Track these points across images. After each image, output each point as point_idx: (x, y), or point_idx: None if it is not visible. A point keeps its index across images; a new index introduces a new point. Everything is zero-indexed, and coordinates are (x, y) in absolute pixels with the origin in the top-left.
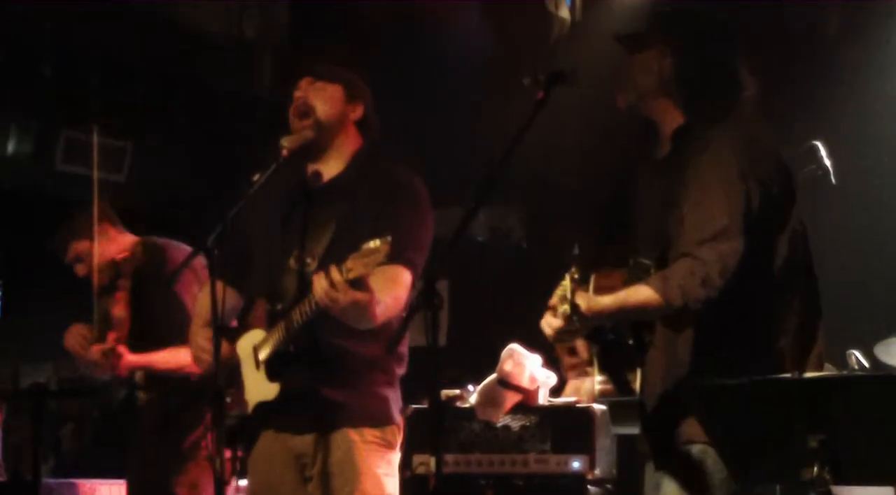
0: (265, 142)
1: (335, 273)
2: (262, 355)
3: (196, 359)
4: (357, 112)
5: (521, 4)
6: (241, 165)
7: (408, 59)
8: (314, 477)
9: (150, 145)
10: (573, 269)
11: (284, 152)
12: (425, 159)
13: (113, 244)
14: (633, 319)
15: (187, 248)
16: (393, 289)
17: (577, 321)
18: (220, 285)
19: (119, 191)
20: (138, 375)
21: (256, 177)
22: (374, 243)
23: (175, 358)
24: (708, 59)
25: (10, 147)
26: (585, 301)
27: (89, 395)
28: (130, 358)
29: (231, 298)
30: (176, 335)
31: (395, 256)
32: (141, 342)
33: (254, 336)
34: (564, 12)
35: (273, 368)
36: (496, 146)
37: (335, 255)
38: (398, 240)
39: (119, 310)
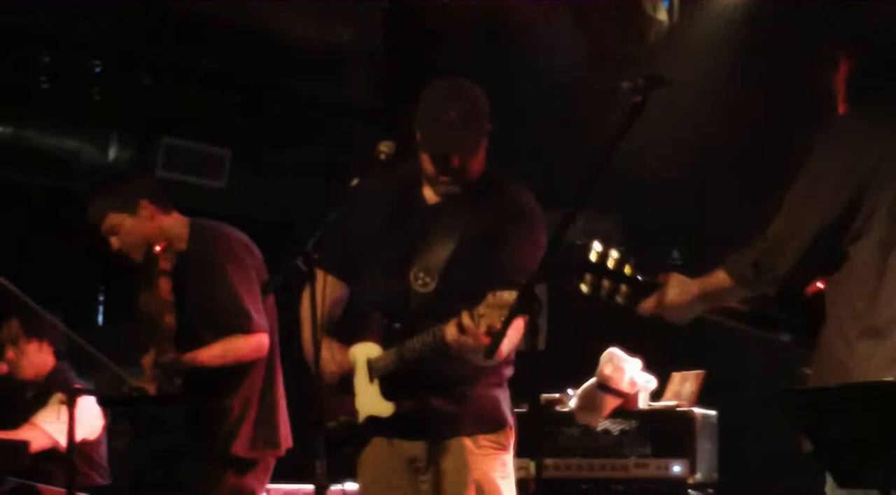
0: (362, 147)
1: (467, 319)
2: (377, 372)
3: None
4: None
5: (618, 7)
6: (337, 171)
7: (502, 64)
8: (428, 482)
9: (249, 152)
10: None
11: (382, 157)
12: (522, 164)
13: (150, 223)
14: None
15: (238, 232)
16: (517, 326)
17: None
18: (323, 275)
19: (218, 198)
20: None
21: (355, 182)
22: (509, 295)
23: (231, 350)
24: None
25: (111, 154)
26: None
27: (190, 400)
28: (186, 362)
29: (336, 289)
30: (227, 320)
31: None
32: (185, 332)
33: (368, 348)
34: (662, 14)
35: (388, 387)
36: (594, 151)
37: (453, 275)
38: (520, 269)
39: (163, 299)
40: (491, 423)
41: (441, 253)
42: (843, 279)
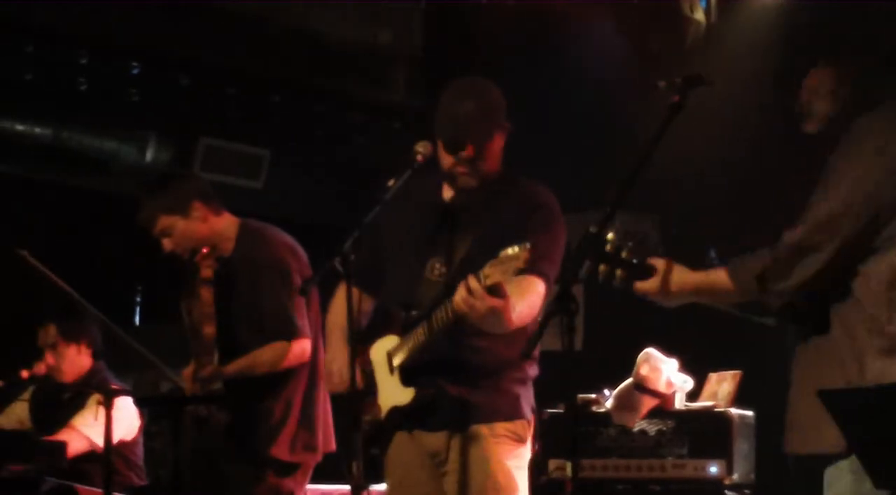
0: (399, 147)
1: (472, 281)
2: (397, 361)
3: (328, 383)
4: (503, 140)
5: (656, 7)
6: (376, 172)
7: (541, 64)
8: (449, 473)
9: (286, 153)
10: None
11: (419, 158)
12: (559, 164)
13: (202, 224)
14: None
15: (286, 234)
16: (528, 297)
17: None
18: (357, 292)
19: (256, 198)
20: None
21: (391, 182)
22: (512, 250)
23: (277, 357)
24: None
25: (150, 155)
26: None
27: (228, 400)
28: (228, 374)
29: (367, 305)
30: (272, 325)
31: (530, 268)
32: (229, 336)
33: (387, 342)
34: (700, 14)
35: (407, 374)
36: (632, 150)
37: (471, 265)
38: (534, 253)
39: (204, 309)
40: (508, 413)
41: (460, 247)
42: (858, 293)
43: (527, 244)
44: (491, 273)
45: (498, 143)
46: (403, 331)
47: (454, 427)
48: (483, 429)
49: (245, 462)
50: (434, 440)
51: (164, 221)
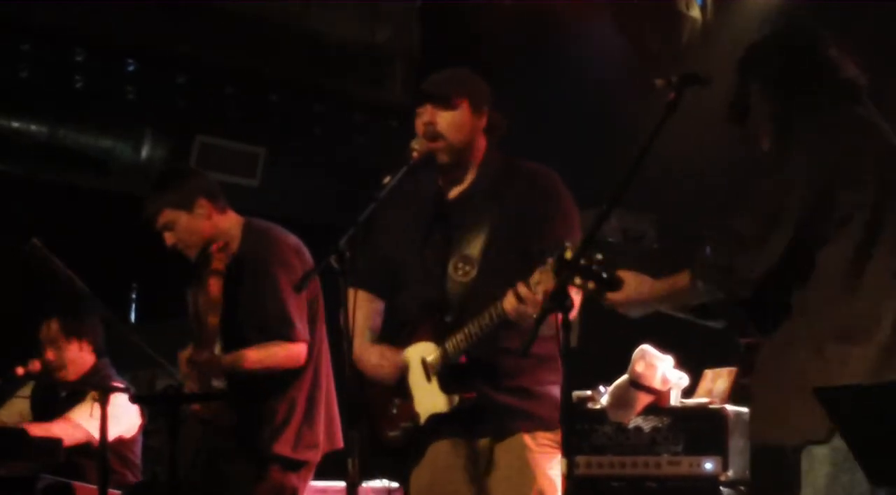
0: (397, 147)
1: (523, 288)
2: (435, 367)
3: (374, 376)
4: (484, 120)
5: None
6: (373, 171)
7: (539, 63)
8: (492, 480)
9: (283, 151)
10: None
11: (415, 155)
12: (557, 163)
13: (206, 221)
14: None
15: (291, 235)
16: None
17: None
18: (354, 292)
19: (252, 197)
20: (218, 384)
21: (387, 179)
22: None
23: (269, 356)
24: (791, 72)
25: (145, 153)
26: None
27: (224, 398)
28: (226, 365)
29: (370, 303)
30: (272, 325)
31: None
32: (232, 332)
33: (422, 348)
34: (696, 12)
35: (447, 380)
36: (631, 150)
37: (493, 260)
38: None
39: (211, 298)
40: (550, 421)
41: (476, 242)
42: (813, 285)
43: (568, 245)
44: (542, 279)
45: (465, 114)
46: (436, 336)
47: (497, 434)
48: (526, 438)
49: (248, 460)
50: (476, 447)
51: (168, 215)
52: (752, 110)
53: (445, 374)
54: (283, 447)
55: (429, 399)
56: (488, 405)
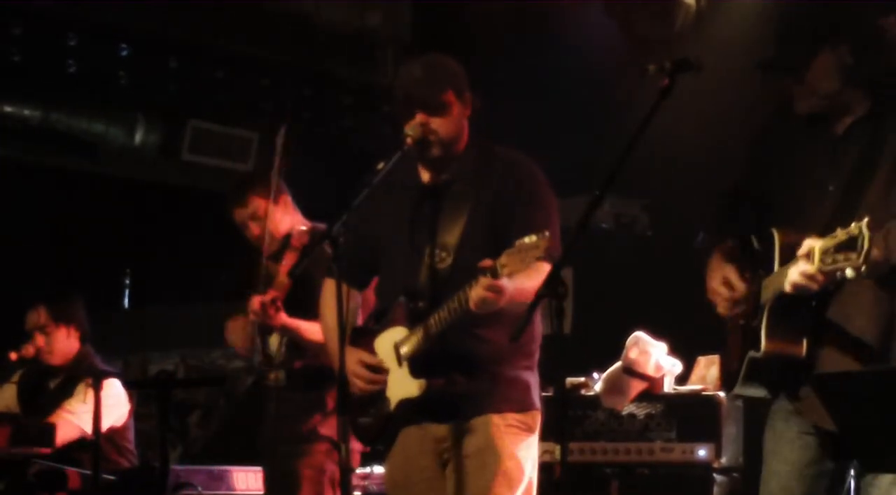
0: (389, 132)
1: (488, 280)
2: (406, 353)
3: (352, 384)
4: (468, 107)
5: None
6: (365, 155)
7: (531, 49)
8: (457, 461)
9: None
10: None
11: (409, 141)
12: (549, 149)
13: (287, 217)
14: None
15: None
16: (535, 279)
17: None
18: (333, 285)
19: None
20: (279, 351)
21: (380, 165)
22: (529, 239)
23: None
24: (886, 46)
25: (138, 138)
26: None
27: (216, 383)
28: (284, 316)
29: (353, 300)
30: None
31: (546, 256)
32: (293, 315)
33: (394, 333)
34: None
35: (417, 366)
36: (621, 135)
37: (468, 248)
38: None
39: (282, 277)
40: (520, 402)
41: (454, 229)
42: None
43: (545, 233)
44: (508, 262)
45: (455, 110)
46: (410, 322)
47: (465, 417)
48: (494, 419)
49: (295, 439)
50: (443, 430)
51: (256, 203)
52: (815, 73)
53: (416, 360)
54: (329, 430)
55: (399, 384)
56: (459, 390)
